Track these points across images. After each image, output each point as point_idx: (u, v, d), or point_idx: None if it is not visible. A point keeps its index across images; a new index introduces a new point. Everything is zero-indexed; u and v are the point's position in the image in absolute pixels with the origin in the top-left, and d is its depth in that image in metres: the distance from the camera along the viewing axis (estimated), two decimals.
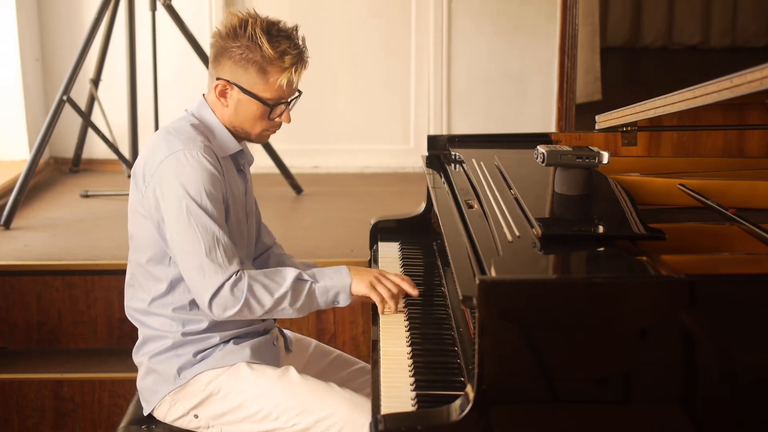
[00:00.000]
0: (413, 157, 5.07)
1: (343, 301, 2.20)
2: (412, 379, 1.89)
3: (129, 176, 2.29)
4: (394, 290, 2.20)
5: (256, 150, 2.48)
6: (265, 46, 2.14)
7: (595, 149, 2.13)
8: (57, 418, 3.35)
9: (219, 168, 2.17)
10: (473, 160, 2.49)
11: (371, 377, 1.98)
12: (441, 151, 2.74)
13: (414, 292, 2.23)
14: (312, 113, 4.85)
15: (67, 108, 4.18)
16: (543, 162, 2.13)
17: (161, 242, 2.18)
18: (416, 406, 1.79)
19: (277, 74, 2.17)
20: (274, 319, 2.40)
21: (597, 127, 2.68)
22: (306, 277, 2.18)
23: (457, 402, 1.67)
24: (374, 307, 2.23)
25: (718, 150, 2.69)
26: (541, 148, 2.15)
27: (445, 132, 5.07)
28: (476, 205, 2.16)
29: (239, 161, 2.30)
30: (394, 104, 5.13)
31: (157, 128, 4.24)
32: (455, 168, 2.56)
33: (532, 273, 1.77)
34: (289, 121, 2.26)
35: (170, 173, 2.13)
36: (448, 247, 2.04)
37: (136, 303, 2.28)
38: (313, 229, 4.07)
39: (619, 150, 2.64)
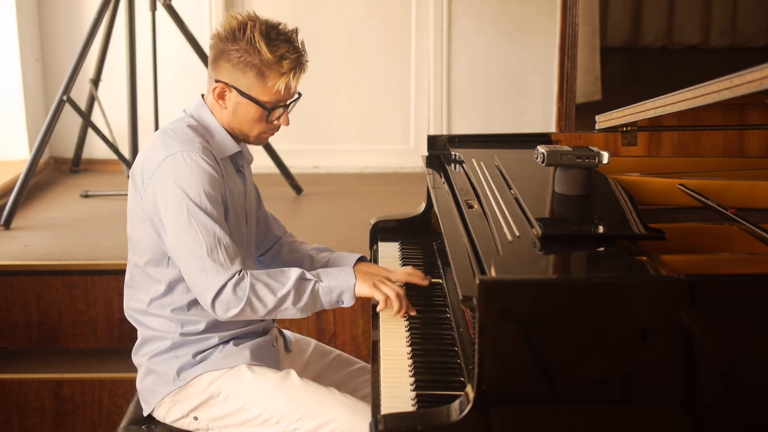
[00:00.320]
0: (413, 157, 5.07)
1: (348, 302, 2.19)
2: (412, 379, 1.89)
3: (129, 176, 2.29)
4: (400, 291, 2.19)
5: (255, 150, 2.47)
6: (264, 49, 2.14)
7: (595, 149, 2.13)
8: (57, 418, 3.35)
9: (217, 169, 2.17)
10: (473, 160, 2.49)
11: (371, 377, 1.98)
12: (441, 151, 2.74)
13: (424, 282, 2.29)
14: (312, 113, 4.85)
15: (67, 108, 4.18)
16: (543, 162, 2.13)
17: (160, 244, 2.17)
18: (416, 406, 1.79)
19: (275, 78, 2.16)
20: (273, 320, 2.40)
21: (597, 127, 2.68)
22: (309, 276, 2.17)
23: (457, 402, 1.67)
24: (375, 307, 2.22)
25: (718, 150, 2.69)
26: (541, 148, 2.15)
27: (445, 132, 5.07)
28: (476, 205, 2.16)
29: (238, 162, 2.30)
30: (394, 104, 5.13)
31: (157, 128, 4.24)
32: (455, 168, 2.56)
33: (532, 273, 1.77)
34: (287, 123, 2.26)
35: (169, 175, 2.12)
36: (448, 247, 2.04)
37: (135, 303, 2.28)
38: (313, 229, 4.07)
39: (619, 150, 2.64)
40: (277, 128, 2.27)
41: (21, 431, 3.36)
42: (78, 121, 4.65)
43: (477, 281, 1.60)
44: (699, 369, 1.61)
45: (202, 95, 2.28)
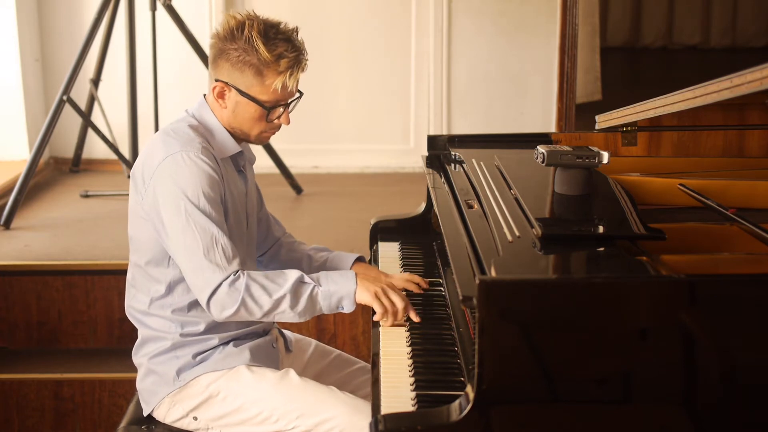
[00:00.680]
0: (413, 157, 5.07)
1: (348, 308, 2.16)
2: (412, 379, 1.89)
3: (129, 176, 2.29)
4: (400, 305, 2.16)
5: (255, 150, 2.47)
6: (262, 48, 2.13)
7: (595, 149, 2.13)
8: (57, 418, 3.35)
9: (217, 169, 2.17)
10: (473, 160, 2.49)
11: (371, 377, 1.98)
12: (441, 151, 2.74)
13: (425, 285, 2.28)
14: (312, 113, 4.84)
15: (67, 108, 4.17)
16: (543, 162, 2.13)
17: (160, 244, 2.18)
18: (416, 406, 1.79)
19: (273, 77, 2.16)
20: (274, 320, 2.40)
21: (597, 127, 2.68)
22: (308, 279, 2.14)
23: (457, 402, 1.67)
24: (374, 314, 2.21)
25: (718, 150, 2.69)
26: (541, 148, 2.15)
27: (445, 132, 5.07)
28: (476, 205, 2.16)
29: (239, 162, 2.30)
30: (394, 104, 5.13)
31: (157, 128, 4.25)
32: (455, 168, 2.56)
33: (532, 273, 1.77)
34: (288, 123, 2.25)
35: (168, 175, 2.12)
36: (448, 247, 2.04)
37: (136, 303, 2.28)
38: (313, 229, 4.07)
39: (619, 150, 2.64)
40: (278, 127, 2.27)
41: (21, 431, 3.36)
42: (78, 121, 4.65)
43: (477, 281, 1.60)
44: (699, 369, 1.61)
45: (204, 95, 2.28)
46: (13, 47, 4.75)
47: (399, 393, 1.84)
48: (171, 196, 2.12)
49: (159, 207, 2.13)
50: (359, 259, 2.44)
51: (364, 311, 3.37)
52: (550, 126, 4.97)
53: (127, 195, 2.29)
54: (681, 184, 2.29)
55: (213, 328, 2.24)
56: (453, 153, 2.65)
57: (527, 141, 2.67)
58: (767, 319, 1.61)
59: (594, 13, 5.53)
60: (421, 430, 1.64)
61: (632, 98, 2.56)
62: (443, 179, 2.50)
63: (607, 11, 7.74)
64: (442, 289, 2.32)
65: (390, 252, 2.62)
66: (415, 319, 2.15)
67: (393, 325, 2.15)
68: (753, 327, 1.61)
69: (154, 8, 4.21)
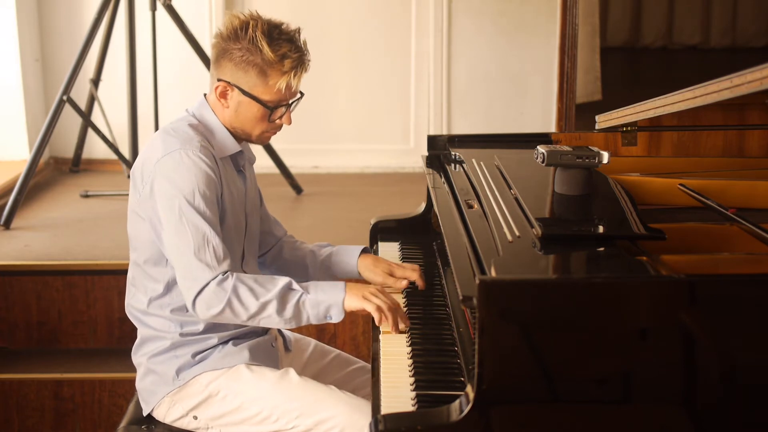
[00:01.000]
0: (413, 157, 5.07)
1: (336, 317, 2.13)
2: (412, 379, 1.89)
3: (129, 176, 2.29)
4: (393, 303, 2.14)
5: (255, 150, 2.47)
6: (266, 49, 2.14)
7: (595, 149, 2.13)
8: (57, 418, 3.35)
9: (216, 169, 2.17)
10: (473, 160, 2.49)
11: (371, 377, 1.98)
12: (441, 151, 2.74)
13: (421, 284, 2.30)
14: (312, 113, 4.84)
15: (67, 108, 4.18)
16: (543, 162, 2.13)
17: (158, 243, 2.18)
18: (416, 406, 1.79)
19: (277, 77, 2.17)
20: None
21: (597, 127, 2.68)
22: (297, 287, 2.12)
23: (457, 402, 1.67)
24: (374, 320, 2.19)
25: (718, 150, 2.69)
26: (541, 148, 2.15)
27: (445, 132, 5.07)
28: (476, 205, 2.16)
29: (239, 162, 2.30)
30: (394, 104, 5.13)
31: (157, 128, 4.25)
32: (455, 168, 2.56)
33: (532, 273, 1.77)
34: (289, 123, 2.26)
35: (165, 172, 2.13)
36: (448, 247, 2.04)
37: (136, 302, 2.28)
38: (313, 229, 4.07)
39: (619, 150, 2.64)
40: (279, 127, 2.27)
41: (21, 431, 3.36)
42: (78, 121, 4.65)
43: (477, 281, 1.60)
44: (699, 369, 1.61)
45: (205, 94, 2.29)
46: (13, 47, 4.75)
47: (399, 393, 1.84)
48: (167, 193, 2.12)
49: (156, 204, 2.14)
50: (365, 251, 2.43)
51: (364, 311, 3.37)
52: (550, 126, 4.97)
53: (127, 195, 2.30)
54: (681, 184, 2.29)
55: (212, 327, 2.24)
56: (453, 153, 2.65)
57: (527, 141, 2.67)
58: (767, 319, 1.61)
59: (594, 13, 5.53)
60: (421, 430, 1.64)
61: (632, 98, 2.55)
62: (443, 179, 2.51)
63: (607, 11, 7.74)
64: (443, 289, 2.32)
65: (390, 252, 2.62)
66: (405, 324, 2.13)
67: (395, 331, 2.12)
68: (753, 327, 1.61)
69: (154, 8, 4.21)
